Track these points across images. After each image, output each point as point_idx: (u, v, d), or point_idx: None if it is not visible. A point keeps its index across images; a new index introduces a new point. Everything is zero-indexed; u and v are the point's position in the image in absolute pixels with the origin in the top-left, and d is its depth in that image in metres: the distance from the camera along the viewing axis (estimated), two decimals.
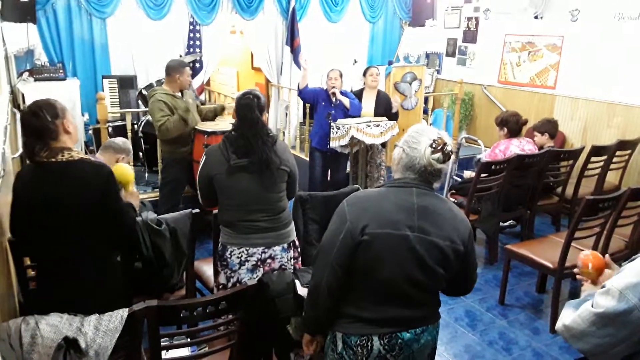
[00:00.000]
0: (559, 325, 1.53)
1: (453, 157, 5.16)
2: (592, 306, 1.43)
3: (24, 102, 4.83)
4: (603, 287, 1.44)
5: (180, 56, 5.96)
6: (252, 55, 8.24)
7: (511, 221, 4.85)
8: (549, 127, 4.58)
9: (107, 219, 2.10)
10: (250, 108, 2.46)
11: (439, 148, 1.70)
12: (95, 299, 2.07)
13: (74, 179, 2.03)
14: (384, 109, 5.01)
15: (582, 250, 3.36)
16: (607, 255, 1.77)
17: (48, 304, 1.99)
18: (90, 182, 2.04)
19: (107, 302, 2.01)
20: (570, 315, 1.49)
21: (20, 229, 2.16)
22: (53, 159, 2.03)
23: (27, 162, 2.13)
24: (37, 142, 2.04)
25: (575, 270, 1.80)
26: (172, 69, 3.99)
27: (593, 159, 4.64)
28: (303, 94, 4.91)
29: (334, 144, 4.57)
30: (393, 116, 4.92)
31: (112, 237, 2.19)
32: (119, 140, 3.18)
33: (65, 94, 4.84)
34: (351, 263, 1.70)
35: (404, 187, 1.74)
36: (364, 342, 1.72)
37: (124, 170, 2.43)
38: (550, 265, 3.37)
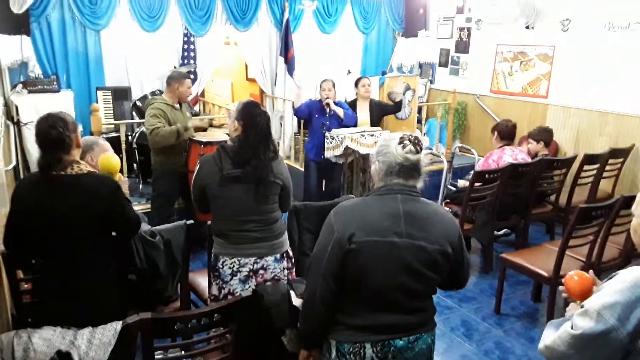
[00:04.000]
0: (540, 346, 1.49)
1: (447, 166, 5.23)
2: (571, 328, 1.38)
3: (17, 114, 4.82)
4: (582, 307, 1.39)
5: (175, 67, 5.98)
6: (246, 66, 8.28)
7: (506, 230, 4.87)
8: (546, 135, 4.63)
9: (117, 225, 2.20)
10: (258, 114, 2.47)
11: (407, 141, 1.73)
12: (94, 311, 2.06)
13: (84, 192, 2.05)
14: (378, 114, 5.07)
15: (576, 258, 3.39)
16: (591, 271, 1.75)
17: (46, 316, 1.99)
18: (98, 195, 2.06)
19: (105, 314, 2.01)
20: (551, 336, 1.45)
21: (18, 241, 2.15)
22: (63, 172, 2.03)
23: (27, 173, 2.15)
24: (54, 155, 2.04)
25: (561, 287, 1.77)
26: (172, 79, 4.04)
27: (586, 167, 4.67)
28: (298, 112, 4.89)
29: (328, 154, 4.58)
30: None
31: (120, 237, 2.28)
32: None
33: (59, 105, 4.82)
34: (341, 272, 1.71)
35: (388, 193, 1.75)
36: (357, 349, 1.72)
37: (109, 160, 2.45)
38: (545, 274, 3.38)
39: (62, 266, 2.09)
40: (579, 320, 1.37)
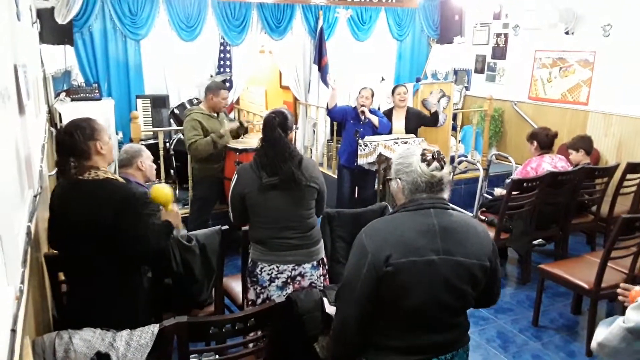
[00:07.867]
0: (593, 344, 1.53)
1: (483, 173, 5.13)
2: (624, 322, 1.42)
3: (60, 121, 4.99)
4: (636, 302, 1.43)
5: (211, 76, 6.09)
6: (280, 74, 8.35)
7: (540, 240, 4.71)
8: (584, 143, 4.46)
9: (124, 239, 2.05)
10: (270, 126, 2.49)
11: (430, 158, 1.67)
12: (116, 317, 2.09)
13: (92, 197, 2.07)
14: (415, 123, 5.05)
15: (618, 269, 3.27)
16: None
17: (77, 320, 2.03)
18: (102, 203, 2.04)
19: (127, 320, 2.03)
20: (603, 333, 1.48)
21: (55, 243, 2.26)
22: (80, 177, 2.10)
23: (60, 179, 2.21)
24: (68, 160, 2.10)
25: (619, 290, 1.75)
26: (207, 90, 4.17)
27: (629, 176, 4.51)
28: (332, 113, 4.96)
29: (361, 161, 4.57)
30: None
31: (133, 257, 2.16)
32: (122, 151, 3.03)
33: (101, 113, 4.98)
34: (376, 294, 1.65)
35: (420, 209, 1.68)
36: None
37: (160, 190, 2.35)
38: (586, 286, 3.27)
39: (84, 270, 2.13)
40: (632, 314, 1.41)
